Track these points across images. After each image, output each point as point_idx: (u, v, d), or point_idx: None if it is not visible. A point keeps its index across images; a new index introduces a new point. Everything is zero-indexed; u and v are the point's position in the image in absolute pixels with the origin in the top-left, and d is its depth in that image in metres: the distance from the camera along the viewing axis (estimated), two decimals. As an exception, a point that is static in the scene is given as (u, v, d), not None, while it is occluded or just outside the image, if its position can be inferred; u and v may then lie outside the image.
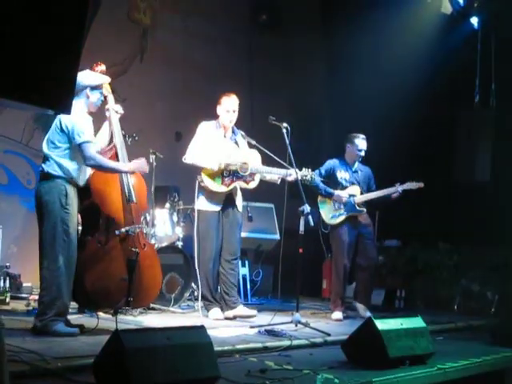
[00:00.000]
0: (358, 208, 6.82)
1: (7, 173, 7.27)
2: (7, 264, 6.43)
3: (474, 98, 8.29)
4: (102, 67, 5.22)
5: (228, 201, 6.09)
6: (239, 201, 6.19)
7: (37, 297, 5.52)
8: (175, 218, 6.99)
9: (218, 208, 6.03)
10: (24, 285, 6.58)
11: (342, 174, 6.92)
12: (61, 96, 2.76)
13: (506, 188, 7.98)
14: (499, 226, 7.73)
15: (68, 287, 4.65)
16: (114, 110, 5.26)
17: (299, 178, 6.02)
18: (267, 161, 6.14)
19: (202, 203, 6.07)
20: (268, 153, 5.99)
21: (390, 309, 7.62)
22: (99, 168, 4.88)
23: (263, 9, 9.81)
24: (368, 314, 6.49)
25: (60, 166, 4.73)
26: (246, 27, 9.76)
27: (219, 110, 6.18)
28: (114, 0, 8.09)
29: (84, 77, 4.85)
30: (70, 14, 2.73)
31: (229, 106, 6.12)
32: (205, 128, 6.14)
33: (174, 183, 7.54)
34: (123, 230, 4.95)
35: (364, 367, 4.14)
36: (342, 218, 6.79)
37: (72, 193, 4.76)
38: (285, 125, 5.88)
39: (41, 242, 4.72)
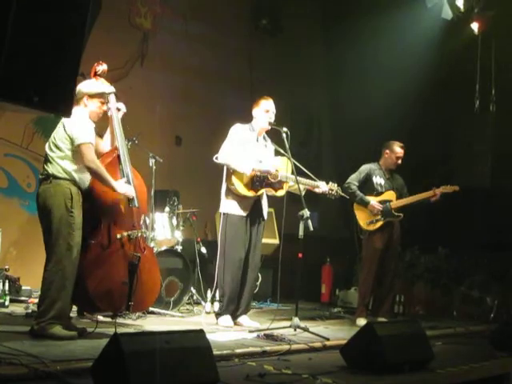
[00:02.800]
0: (395, 213, 6.84)
1: (7, 176, 7.28)
2: (6, 267, 6.43)
3: (474, 104, 8.30)
4: (104, 66, 5.16)
5: (255, 207, 5.98)
6: (265, 208, 6.10)
7: (36, 300, 5.52)
8: (175, 222, 6.99)
9: (245, 213, 5.91)
10: (23, 288, 6.58)
11: (378, 180, 6.96)
12: (61, 99, 2.78)
13: (505, 193, 7.98)
14: (498, 231, 7.73)
15: (69, 291, 4.64)
16: (116, 108, 5.16)
17: (327, 191, 6.09)
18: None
19: (229, 207, 5.92)
20: (295, 163, 5.89)
21: (390, 314, 7.59)
22: (95, 174, 4.80)
23: (264, 13, 9.83)
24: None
25: (63, 168, 4.71)
26: (246, 32, 9.79)
27: (256, 111, 6.06)
28: (115, 5, 8.11)
29: (83, 85, 4.87)
30: (70, 18, 2.73)
31: (268, 106, 6.03)
32: (238, 130, 6.00)
33: (173, 187, 7.55)
34: (125, 233, 4.95)
35: (363, 372, 4.13)
36: (380, 223, 6.82)
37: (77, 195, 4.74)
38: (285, 129, 5.82)
39: (45, 244, 4.71)
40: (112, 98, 5.17)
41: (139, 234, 5.07)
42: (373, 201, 6.81)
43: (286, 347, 4.74)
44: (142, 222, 5.58)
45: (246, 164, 5.85)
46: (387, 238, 6.85)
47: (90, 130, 4.82)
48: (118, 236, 4.92)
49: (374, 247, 6.81)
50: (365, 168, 6.99)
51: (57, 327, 4.55)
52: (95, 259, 4.84)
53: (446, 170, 8.77)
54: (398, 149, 6.97)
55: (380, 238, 6.82)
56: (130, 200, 5.03)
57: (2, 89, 2.47)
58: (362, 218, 6.88)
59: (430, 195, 6.84)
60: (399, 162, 6.99)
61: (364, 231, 6.91)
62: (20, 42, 2.53)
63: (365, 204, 6.83)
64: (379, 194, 6.90)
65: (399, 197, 6.97)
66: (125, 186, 5.00)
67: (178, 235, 7.00)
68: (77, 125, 4.73)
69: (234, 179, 5.86)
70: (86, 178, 4.85)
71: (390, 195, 6.92)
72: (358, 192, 6.82)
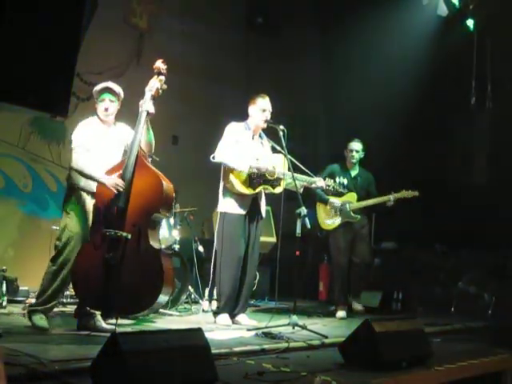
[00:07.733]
0: (352, 215, 7.08)
1: (3, 176, 7.26)
2: (4, 268, 6.42)
3: (470, 100, 8.31)
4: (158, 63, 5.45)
5: (253, 205, 5.97)
6: (263, 206, 6.09)
7: (33, 300, 5.60)
8: (172, 221, 6.98)
9: (244, 211, 5.89)
10: (21, 288, 6.55)
11: (341, 180, 7.13)
12: (57, 99, 2.77)
13: (502, 190, 7.98)
14: (496, 227, 7.74)
15: (57, 286, 4.91)
16: (144, 109, 5.25)
17: (324, 186, 6.17)
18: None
19: (227, 205, 5.90)
20: (292, 159, 5.88)
21: (388, 311, 7.61)
22: (80, 174, 4.97)
23: (260, 12, 9.82)
24: (360, 307, 7.13)
25: (69, 173, 5.06)
26: (243, 30, 9.77)
27: (252, 109, 6.04)
28: (111, 4, 8.08)
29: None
30: (67, 17, 2.73)
31: (264, 105, 6.01)
32: (234, 129, 5.99)
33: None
34: (105, 231, 4.76)
35: (361, 369, 4.13)
36: (337, 223, 7.10)
37: (77, 198, 4.98)
38: (281, 127, 5.81)
39: None
40: (146, 96, 5.36)
41: (121, 235, 4.74)
42: (331, 199, 7.06)
43: (284, 345, 4.74)
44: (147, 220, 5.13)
45: (243, 162, 5.85)
46: (351, 233, 7.12)
47: (80, 133, 5.03)
48: (104, 231, 4.78)
49: (337, 243, 7.11)
50: (328, 168, 7.29)
51: (37, 316, 4.84)
52: (85, 258, 4.83)
53: (443, 166, 8.78)
54: (350, 144, 7.24)
55: (341, 234, 7.09)
56: (117, 202, 4.85)
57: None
58: (321, 216, 7.21)
59: (385, 200, 7.05)
60: (353, 154, 7.22)
61: (323, 230, 7.22)
62: (15, 41, 2.52)
63: (324, 202, 7.11)
64: (341, 194, 7.00)
65: (364, 196, 7.20)
66: (108, 178, 4.90)
67: (176, 234, 7.00)
68: (74, 129, 5.09)
69: (231, 177, 5.86)
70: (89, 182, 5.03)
71: (350, 197, 7.15)
72: (319, 190, 6.85)
